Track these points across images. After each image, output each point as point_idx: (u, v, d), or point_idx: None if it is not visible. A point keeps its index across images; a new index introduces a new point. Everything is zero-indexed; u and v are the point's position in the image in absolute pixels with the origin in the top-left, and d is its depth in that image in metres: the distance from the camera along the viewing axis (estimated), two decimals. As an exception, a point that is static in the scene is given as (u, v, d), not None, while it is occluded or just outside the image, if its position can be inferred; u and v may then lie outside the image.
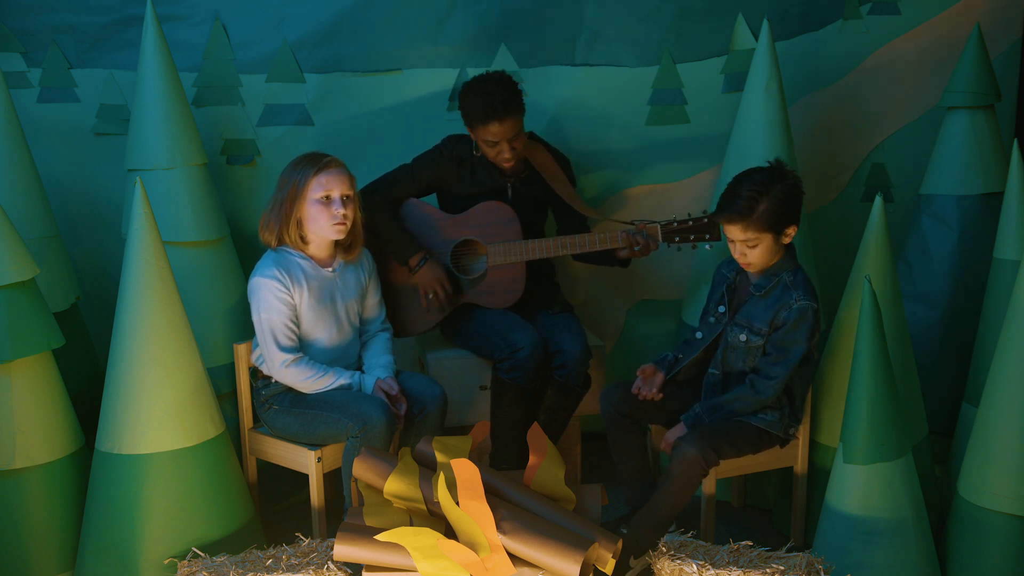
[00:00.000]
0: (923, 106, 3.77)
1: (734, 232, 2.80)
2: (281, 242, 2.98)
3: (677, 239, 3.21)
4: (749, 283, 2.93)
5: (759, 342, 2.85)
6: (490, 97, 3.13)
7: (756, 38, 3.56)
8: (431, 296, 3.26)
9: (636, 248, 3.19)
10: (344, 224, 2.94)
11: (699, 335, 3.03)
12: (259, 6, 3.48)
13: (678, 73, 3.64)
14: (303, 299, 2.95)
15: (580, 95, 3.64)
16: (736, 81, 3.62)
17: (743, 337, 2.88)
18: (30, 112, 3.53)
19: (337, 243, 3.03)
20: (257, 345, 2.99)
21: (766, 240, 2.79)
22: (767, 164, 2.84)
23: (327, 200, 2.92)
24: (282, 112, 3.56)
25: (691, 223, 3.20)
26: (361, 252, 3.12)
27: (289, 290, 2.92)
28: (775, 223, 2.77)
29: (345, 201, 2.94)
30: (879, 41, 3.71)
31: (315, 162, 2.94)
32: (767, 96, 3.31)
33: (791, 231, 2.82)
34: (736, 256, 2.85)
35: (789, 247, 2.88)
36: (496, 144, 3.19)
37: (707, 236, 3.20)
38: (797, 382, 2.89)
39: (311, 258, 3.00)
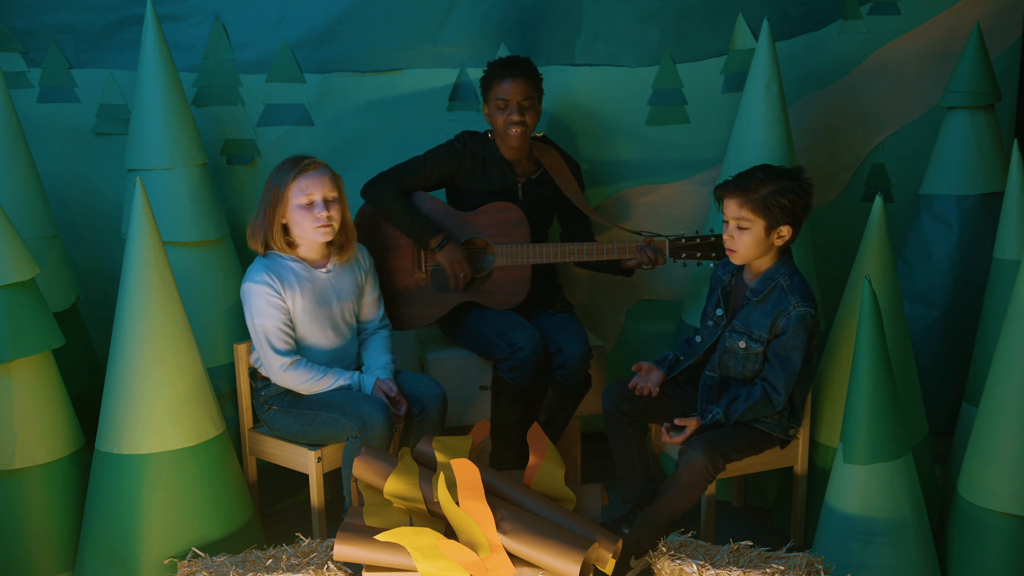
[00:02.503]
0: (923, 106, 3.77)
1: (730, 208, 2.81)
2: (268, 248, 2.97)
3: (684, 255, 3.22)
4: (745, 287, 2.92)
5: (759, 349, 2.85)
6: (510, 59, 3.27)
7: (756, 38, 3.56)
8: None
9: (645, 263, 3.21)
10: (329, 226, 2.92)
11: (698, 339, 3.03)
12: (259, 6, 3.47)
13: (678, 73, 3.64)
14: (297, 303, 2.94)
15: (580, 95, 3.64)
16: (736, 81, 3.61)
17: (742, 344, 2.87)
18: (30, 112, 3.53)
19: (329, 244, 3.02)
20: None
21: (757, 228, 2.79)
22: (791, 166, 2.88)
23: (309, 204, 2.90)
24: (282, 112, 3.56)
25: (699, 240, 3.21)
26: (355, 251, 3.10)
27: (280, 294, 2.91)
28: (770, 212, 2.77)
29: (328, 203, 2.92)
30: (879, 41, 3.71)
31: (294, 166, 2.92)
32: (767, 96, 3.31)
33: (784, 232, 2.81)
34: (725, 238, 2.86)
35: (786, 252, 2.88)
36: (506, 107, 3.22)
37: (713, 254, 3.20)
38: (797, 385, 2.89)
39: (303, 260, 2.99)
